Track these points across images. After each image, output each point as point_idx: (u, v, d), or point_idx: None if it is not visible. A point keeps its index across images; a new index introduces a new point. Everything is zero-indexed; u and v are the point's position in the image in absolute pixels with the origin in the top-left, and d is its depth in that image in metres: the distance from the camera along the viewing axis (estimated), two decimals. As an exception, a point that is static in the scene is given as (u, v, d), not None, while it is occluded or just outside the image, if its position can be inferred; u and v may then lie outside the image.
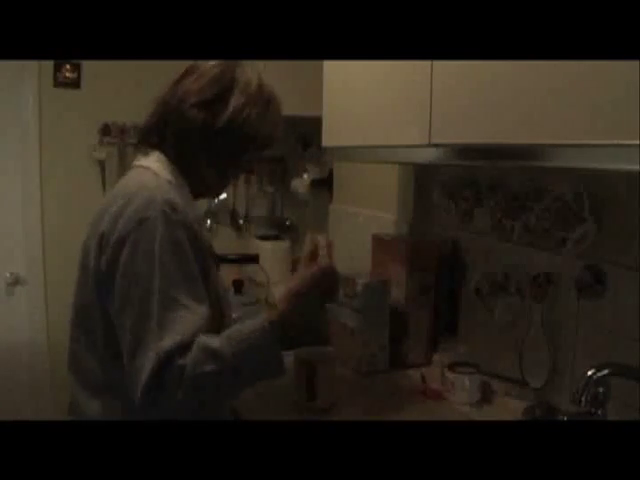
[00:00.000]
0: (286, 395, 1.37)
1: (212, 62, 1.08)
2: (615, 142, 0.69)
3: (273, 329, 0.94)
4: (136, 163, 1.09)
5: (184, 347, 0.89)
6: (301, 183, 2.51)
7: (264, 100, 1.10)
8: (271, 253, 2.56)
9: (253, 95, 1.08)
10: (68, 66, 2.49)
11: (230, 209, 2.82)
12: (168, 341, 0.89)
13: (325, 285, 1.02)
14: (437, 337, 1.58)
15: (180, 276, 0.94)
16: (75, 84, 2.52)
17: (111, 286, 0.95)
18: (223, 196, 2.78)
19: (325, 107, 1.49)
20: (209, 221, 2.78)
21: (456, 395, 1.35)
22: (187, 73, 1.08)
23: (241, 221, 2.83)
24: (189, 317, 0.92)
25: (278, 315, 0.96)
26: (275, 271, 2.43)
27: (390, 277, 1.56)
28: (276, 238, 2.70)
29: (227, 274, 2.25)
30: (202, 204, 2.74)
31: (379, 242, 1.67)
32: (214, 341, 0.92)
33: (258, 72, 1.12)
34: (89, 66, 2.52)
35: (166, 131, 1.07)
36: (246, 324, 0.96)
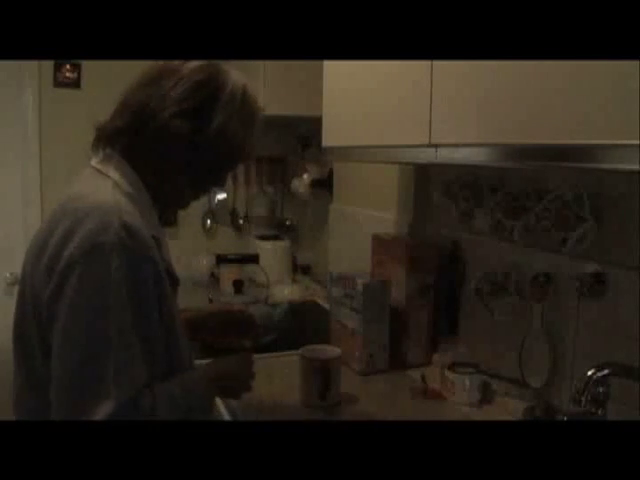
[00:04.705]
0: (285, 395, 1.37)
1: (193, 65, 0.99)
2: (615, 142, 0.69)
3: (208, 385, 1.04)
4: (94, 164, 1.00)
5: (141, 391, 0.88)
6: (301, 183, 2.51)
7: (248, 113, 1.04)
8: (271, 253, 2.56)
9: (238, 108, 1.01)
10: (68, 66, 2.50)
11: (230, 209, 2.82)
12: (128, 388, 0.85)
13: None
14: (437, 337, 1.58)
15: (135, 311, 0.87)
16: (75, 84, 2.52)
17: (53, 314, 0.87)
18: (223, 196, 2.79)
19: (325, 107, 1.49)
20: (209, 221, 2.79)
21: (456, 395, 1.35)
22: (164, 75, 0.98)
23: (241, 221, 2.83)
24: (141, 357, 0.89)
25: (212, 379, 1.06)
26: (275, 271, 2.43)
27: (390, 277, 1.56)
28: (276, 238, 2.70)
29: (227, 274, 2.25)
30: (202, 204, 2.75)
31: (379, 242, 1.67)
32: (170, 387, 0.95)
33: (244, 80, 1.05)
34: (89, 66, 2.52)
35: (138, 138, 0.98)
36: (193, 375, 1.05)
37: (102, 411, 0.83)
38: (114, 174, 0.97)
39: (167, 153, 0.99)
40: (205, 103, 0.98)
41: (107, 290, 0.85)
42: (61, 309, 0.85)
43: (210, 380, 1.05)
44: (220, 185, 1.14)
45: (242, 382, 1.14)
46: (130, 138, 0.99)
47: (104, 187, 0.95)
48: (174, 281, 1.04)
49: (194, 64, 1.00)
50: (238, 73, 1.05)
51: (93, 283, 0.85)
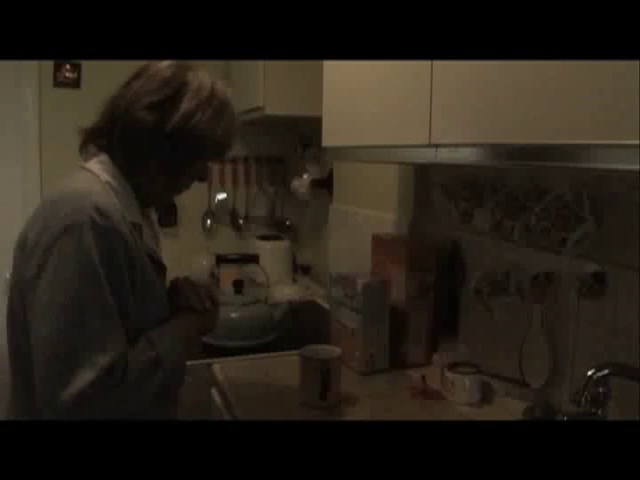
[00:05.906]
0: (285, 395, 1.37)
1: (164, 64, 1.05)
2: (615, 142, 0.69)
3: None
4: (79, 163, 1.08)
5: (120, 360, 0.92)
6: (301, 183, 2.51)
7: (217, 105, 1.08)
8: (271, 253, 2.56)
9: (205, 99, 1.06)
10: (68, 66, 2.50)
11: (230, 209, 2.82)
12: (106, 356, 0.90)
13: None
14: (437, 337, 1.58)
15: (110, 282, 0.93)
16: (75, 84, 2.52)
17: (34, 290, 0.92)
18: (223, 196, 2.79)
19: (325, 107, 1.49)
20: (209, 221, 2.79)
21: (456, 395, 1.35)
22: (138, 75, 1.06)
23: (241, 221, 2.83)
24: (119, 326, 0.94)
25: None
26: (275, 271, 2.43)
27: (390, 277, 1.56)
28: (276, 238, 2.70)
29: (227, 274, 2.25)
30: (202, 204, 2.75)
31: (379, 242, 1.67)
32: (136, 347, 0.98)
33: (212, 77, 1.10)
34: (89, 66, 2.52)
35: (114, 133, 1.05)
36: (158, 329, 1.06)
37: (84, 378, 0.87)
38: (94, 167, 1.04)
39: (136, 144, 1.05)
40: (170, 96, 1.04)
41: (82, 263, 0.91)
42: (41, 285, 0.91)
43: (174, 326, 1.09)
44: (200, 179, 1.18)
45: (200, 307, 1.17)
46: (108, 135, 1.06)
47: (81, 179, 1.02)
48: (160, 268, 1.09)
49: (163, 63, 1.06)
50: (206, 73, 1.10)
51: (69, 259, 0.91)
